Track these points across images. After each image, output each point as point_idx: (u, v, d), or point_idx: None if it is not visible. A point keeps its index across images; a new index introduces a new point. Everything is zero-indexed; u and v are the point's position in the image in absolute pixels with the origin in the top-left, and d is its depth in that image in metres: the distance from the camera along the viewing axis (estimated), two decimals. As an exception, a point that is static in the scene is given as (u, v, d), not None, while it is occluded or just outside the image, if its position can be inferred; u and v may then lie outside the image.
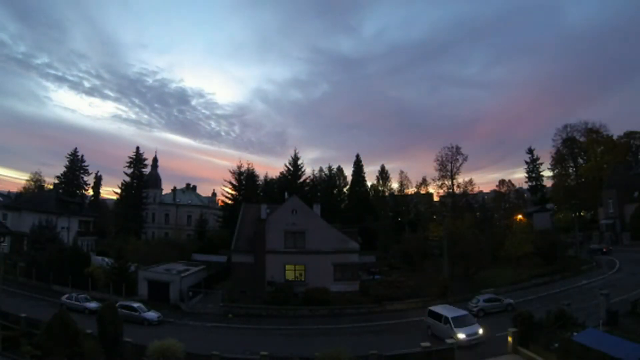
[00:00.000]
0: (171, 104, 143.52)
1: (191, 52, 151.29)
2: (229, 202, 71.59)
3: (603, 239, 62.70)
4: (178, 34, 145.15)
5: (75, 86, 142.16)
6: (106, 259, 46.30)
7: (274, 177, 76.15)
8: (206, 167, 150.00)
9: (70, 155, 79.06)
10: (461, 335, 24.49)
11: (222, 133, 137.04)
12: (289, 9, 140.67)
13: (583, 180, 76.37)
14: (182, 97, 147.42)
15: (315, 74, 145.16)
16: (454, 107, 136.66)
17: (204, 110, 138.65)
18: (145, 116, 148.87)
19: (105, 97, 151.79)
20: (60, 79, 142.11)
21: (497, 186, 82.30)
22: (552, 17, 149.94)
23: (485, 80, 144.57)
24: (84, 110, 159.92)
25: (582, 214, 76.56)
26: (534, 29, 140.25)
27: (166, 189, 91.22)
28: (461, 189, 68.79)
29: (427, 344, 23.33)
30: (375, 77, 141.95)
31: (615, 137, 76.80)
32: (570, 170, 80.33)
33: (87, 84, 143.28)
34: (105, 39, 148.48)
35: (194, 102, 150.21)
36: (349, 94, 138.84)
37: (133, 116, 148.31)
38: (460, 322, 25.82)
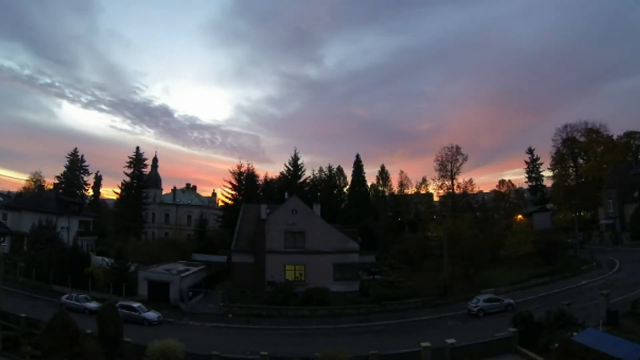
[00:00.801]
0: (168, 121, 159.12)
1: (183, 79, 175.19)
2: (229, 202, 71.59)
3: (603, 239, 62.72)
4: (172, 65, 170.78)
5: (86, 105, 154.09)
6: (106, 259, 46.26)
7: (274, 177, 76.31)
8: (200, 170, 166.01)
9: (70, 155, 79.09)
10: None
11: (207, 141, 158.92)
12: (261, 45, 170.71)
13: (583, 180, 76.28)
14: (176, 115, 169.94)
15: (287, 95, 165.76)
16: (418, 118, 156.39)
17: (186, 122, 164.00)
18: (143, 125, 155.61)
19: (114, 113, 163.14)
20: (73, 100, 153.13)
21: (497, 186, 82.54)
22: (490, 42, 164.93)
23: (442, 96, 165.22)
24: (89, 120, 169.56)
25: (582, 214, 76.51)
26: (479, 52, 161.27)
27: (166, 189, 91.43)
28: (461, 189, 68.97)
29: (427, 343, 23.37)
30: (341, 97, 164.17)
31: (615, 137, 76.80)
32: (570, 170, 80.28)
33: (100, 105, 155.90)
34: (112, 68, 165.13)
35: (182, 119, 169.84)
36: (320, 110, 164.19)
37: (127, 127, 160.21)
38: None
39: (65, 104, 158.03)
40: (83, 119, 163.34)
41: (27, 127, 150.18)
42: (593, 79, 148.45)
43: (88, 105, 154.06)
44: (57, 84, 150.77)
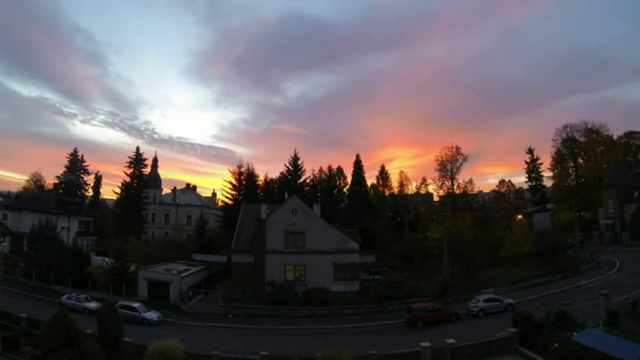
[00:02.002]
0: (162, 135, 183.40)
1: (175, 107, 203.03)
2: (229, 202, 71.57)
3: (603, 239, 62.71)
4: (166, 97, 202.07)
5: (95, 123, 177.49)
6: (106, 259, 46.27)
7: (274, 177, 76.28)
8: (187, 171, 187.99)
9: (70, 155, 79.09)
10: None
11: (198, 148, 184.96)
12: (233, 82, 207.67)
13: (583, 180, 76.33)
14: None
15: (259, 116, 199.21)
16: (373, 134, 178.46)
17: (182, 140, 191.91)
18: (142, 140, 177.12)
19: (118, 130, 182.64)
20: (84, 121, 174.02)
21: (497, 186, 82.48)
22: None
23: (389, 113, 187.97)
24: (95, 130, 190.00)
25: (582, 214, 76.51)
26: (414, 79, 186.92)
27: (166, 189, 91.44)
28: (461, 189, 68.95)
29: (427, 343, 23.38)
30: (303, 120, 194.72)
31: (615, 137, 76.83)
32: (570, 171, 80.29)
33: (108, 124, 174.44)
34: (118, 99, 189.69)
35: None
36: (289, 128, 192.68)
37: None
38: None
39: (77, 123, 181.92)
40: (91, 132, 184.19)
41: (41, 138, 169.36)
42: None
43: (97, 123, 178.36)
44: (72, 110, 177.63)
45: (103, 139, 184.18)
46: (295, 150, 73.11)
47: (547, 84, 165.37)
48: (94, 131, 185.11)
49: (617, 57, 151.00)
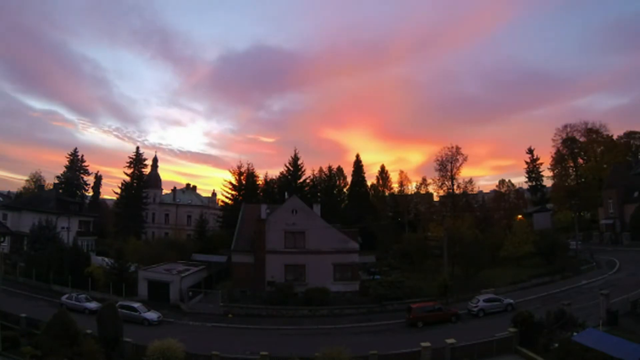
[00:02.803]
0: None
1: (169, 121, 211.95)
2: (229, 202, 71.58)
3: (603, 239, 62.69)
4: (163, 113, 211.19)
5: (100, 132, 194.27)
6: (106, 259, 46.25)
7: (274, 177, 76.28)
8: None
9: (70, 155, 79.11)
10: None
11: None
12: (222, 99, 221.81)
13: (583, 180, 76.32)
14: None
15: (245, 126, 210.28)
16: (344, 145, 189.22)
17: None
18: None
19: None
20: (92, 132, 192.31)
21: (497, 186, 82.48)
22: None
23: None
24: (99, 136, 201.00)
25: (582, 214, 76.52)
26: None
27: (166, 189, 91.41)
28: (461, 189, 68.89)
29: (427, 343, 23.38)
30: (286, 131, 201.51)
31: (615, 137, 76.86)
32: (570, 171, 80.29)
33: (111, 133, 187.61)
34: (123, 115, 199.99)
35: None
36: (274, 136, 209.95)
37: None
38: None
39: (82, 131, 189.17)
40: (93, 138, 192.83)
41: (49, 144, 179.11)
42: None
43: (102, 132, 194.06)
44: (76, 120, 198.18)
45: (104, 143, 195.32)
46: (295, 151, 73.27)
47: (500, 98, 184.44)
48: (96, 136, 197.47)
49: (556, 73, 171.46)
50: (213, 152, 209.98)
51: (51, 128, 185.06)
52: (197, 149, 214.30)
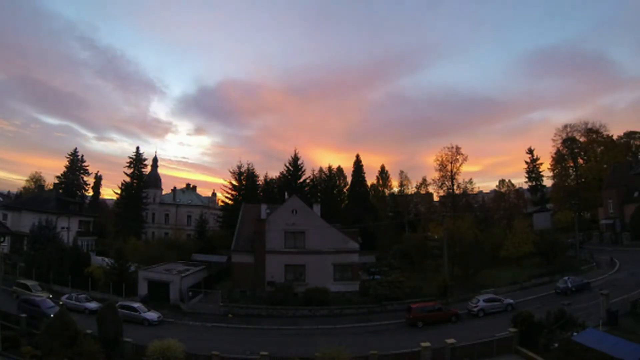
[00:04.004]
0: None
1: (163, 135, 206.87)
2: (229, 202, 71.56)
3: (603, 239, 62.67)
4: (158, 128, 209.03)
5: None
6: (106, 259, 46.24)
7: (274, 177, 76.28)
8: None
9: (70, 155, 79.07)
10: None
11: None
12: (209, 117, 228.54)
13: (583, 180, 76.28)
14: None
15: (229, 141, 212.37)
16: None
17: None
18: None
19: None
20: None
21: (497, 186, 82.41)
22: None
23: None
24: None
25: (582, 214, 76.50)
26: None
27: (166, 189, 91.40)
28: (461, 189, 68.89)
29: (427, 343, 23.38)
30: (267, 146, 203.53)
31: (615, 137, 76.83)
32: (570, 171, 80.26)
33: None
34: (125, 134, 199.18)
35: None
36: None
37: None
38: None
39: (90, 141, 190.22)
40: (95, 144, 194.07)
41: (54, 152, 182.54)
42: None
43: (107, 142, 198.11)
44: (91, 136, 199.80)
45: (107, 149, 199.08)
46: (295, 151, 73.26)
47: (448, 117, 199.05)
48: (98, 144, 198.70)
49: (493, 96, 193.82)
50: (207, 159, 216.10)
51: (54, 138, 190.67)
52: (194, 159, 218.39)
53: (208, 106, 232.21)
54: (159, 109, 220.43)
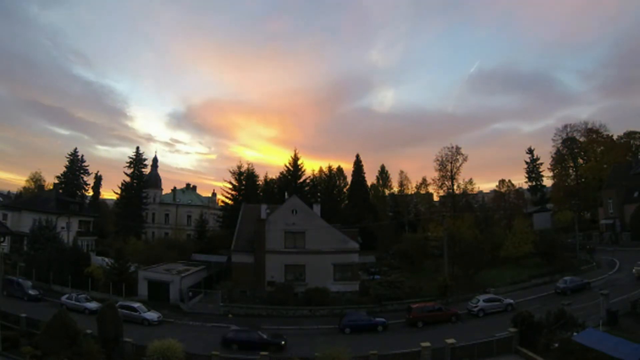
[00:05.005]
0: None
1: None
2: (229, 202, 71.56)
3: (603, 239, 62.66)
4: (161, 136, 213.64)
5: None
6: (106, 259, 46.23)
7: (274, 177, 76.30)
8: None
9: (70, 155, 79.03)
10: None
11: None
12: (198, 131, 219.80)
13: (583, 180, 76.30)
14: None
15: (214, 149, 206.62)
16: None
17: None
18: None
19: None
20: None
21: (497, 186, 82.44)
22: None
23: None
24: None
25: (582, 214, 76.49)
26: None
27: (166, 189, 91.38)
28: (461, 189, 68.96)
29: (427, 343, 23.38)
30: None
31: (615, 137, 76.80)
32: (570, 171, 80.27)
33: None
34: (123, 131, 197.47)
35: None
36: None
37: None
38: None
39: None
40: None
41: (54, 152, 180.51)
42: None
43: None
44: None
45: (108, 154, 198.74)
46: (295, 151, 73.30)
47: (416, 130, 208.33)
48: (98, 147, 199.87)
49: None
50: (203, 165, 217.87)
51: (55, 144, 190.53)
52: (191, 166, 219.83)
53: (197, 121, 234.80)
54: (152, 123, 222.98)
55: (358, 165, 77.39)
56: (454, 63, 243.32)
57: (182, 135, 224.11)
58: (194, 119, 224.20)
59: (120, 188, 75.74)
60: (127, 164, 75.89)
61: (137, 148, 77.30)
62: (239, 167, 72.88)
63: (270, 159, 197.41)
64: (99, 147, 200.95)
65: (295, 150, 73.14)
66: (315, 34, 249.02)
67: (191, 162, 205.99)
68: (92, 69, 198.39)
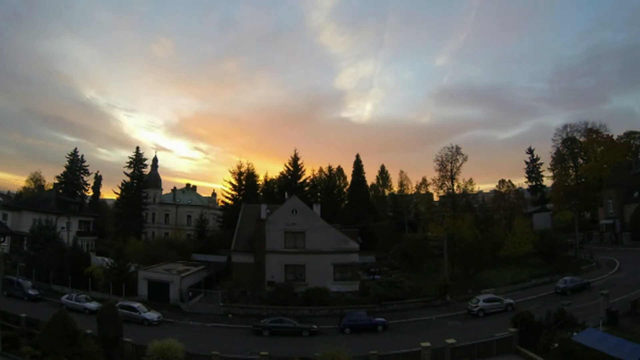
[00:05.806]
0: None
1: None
2: (229, 202, 71.55)
3: (603, 239, 62.64)
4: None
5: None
6: (106, 259, 46.24)
7: (274, 177, 76.27)
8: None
9: (70, 155, 79.07)
10: None
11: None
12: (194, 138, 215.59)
13: (583, 180, 76.27)
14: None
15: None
16: None
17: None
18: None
19: None
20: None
21: (497, 186, 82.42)
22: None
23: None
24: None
25: (582, 214, 76.47)
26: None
27: (166, 189, 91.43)
28: (461, 189, 68.96)
29: (427, 343, 23.38)
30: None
31: (615, 137, 76.76)
32: (570, 171, 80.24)
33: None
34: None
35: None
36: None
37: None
38: None
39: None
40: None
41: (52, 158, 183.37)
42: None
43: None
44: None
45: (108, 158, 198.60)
46: (295, 151, 73.25)
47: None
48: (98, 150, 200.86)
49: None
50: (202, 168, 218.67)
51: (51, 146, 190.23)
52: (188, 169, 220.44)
53: (193, 130, 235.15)
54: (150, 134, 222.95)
55: (358, 165, 77.34)
56: (420, 82, 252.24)
57: (180, 143, 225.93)
58: (188, 128, 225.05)
59: (120, 188, 75.78)
60: (127, 164, 76.01)
61: (137, 148, 77.54)
62: (239, 167, 72.96)
63: (269, 161, 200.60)
64: (100, 149, 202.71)
65: (295, 150, 73.27)
66: (274, 68, 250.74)
67: (190, 165, 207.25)
68: (94, 90, 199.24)
